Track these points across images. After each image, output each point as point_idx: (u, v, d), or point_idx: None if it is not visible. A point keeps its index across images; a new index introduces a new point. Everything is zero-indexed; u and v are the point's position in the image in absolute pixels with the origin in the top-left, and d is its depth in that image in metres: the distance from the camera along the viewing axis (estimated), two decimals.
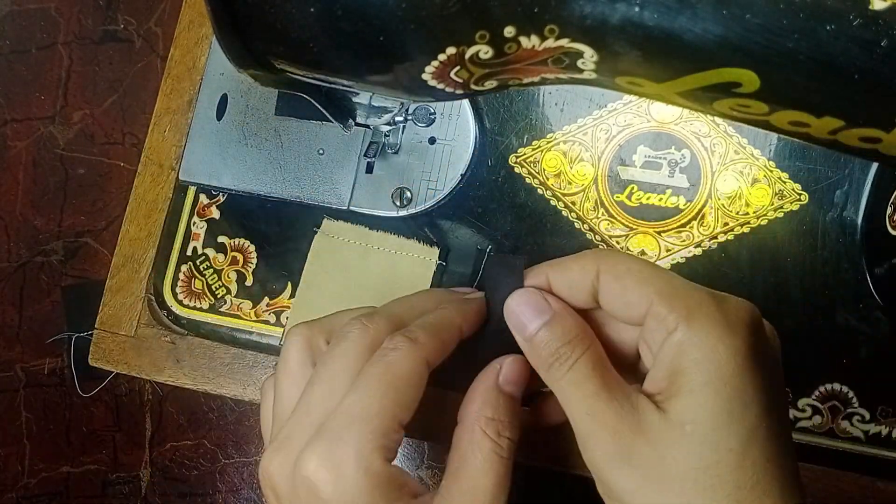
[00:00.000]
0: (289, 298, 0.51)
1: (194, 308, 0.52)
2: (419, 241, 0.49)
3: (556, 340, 0.31)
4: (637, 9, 0.24)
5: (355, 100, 0.43)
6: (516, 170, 0.50)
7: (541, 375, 0.32)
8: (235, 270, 0.52)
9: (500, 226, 0.50)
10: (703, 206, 0.49)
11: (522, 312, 0.32)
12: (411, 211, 0.49)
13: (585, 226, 0.49)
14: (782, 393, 0.31)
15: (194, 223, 0.53)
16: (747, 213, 0.48)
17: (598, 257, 0.32)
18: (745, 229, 0.48)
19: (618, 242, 0.49)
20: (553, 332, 0.32)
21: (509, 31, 0.25)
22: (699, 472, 0.28)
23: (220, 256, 0.52)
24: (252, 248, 0.52)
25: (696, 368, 0.28)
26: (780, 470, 0.29)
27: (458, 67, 0.27)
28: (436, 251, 0.48)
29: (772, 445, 0.29)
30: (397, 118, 0.46)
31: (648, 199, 0.49)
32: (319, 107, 0.38)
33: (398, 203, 0.49)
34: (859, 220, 0.47)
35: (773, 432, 0.29)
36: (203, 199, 0.53)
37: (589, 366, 0.31)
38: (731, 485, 0.28)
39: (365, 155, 0.48)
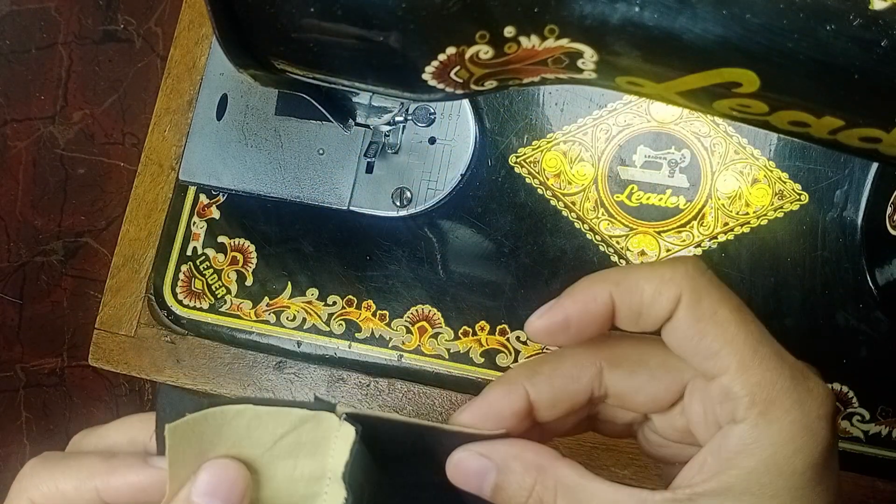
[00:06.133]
0: (289, 298, 0.51)
1: (194, 308, 0.52)
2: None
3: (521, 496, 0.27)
4: (637, 9, 0.24)
5: (355, 100, 0.43)
6: (516, 170, 0.50)
7: None
8: (235, 270, 0.52)
9: (500, 226, 0.50)
10: (703, 206, 0.48)
11: (466, 479, 0.27)
12: (411, 211, 0.49)
13: (585, 226, 0.49)
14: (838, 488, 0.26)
15: (194, 223, 0.53)
16: (747, 213, 0.48)
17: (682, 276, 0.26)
18: (745, 229, 0.48)
19: (618, 242, 0.49)
20: (510, 488, 0.27)
21: (509, 31, 0.25)
22: None
23: (220, 256, 0.52)
24: (252, 248, 0.52)
25: (759, 472, 0.24)
26: None
27: (458, 67, 0.27)
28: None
29: None
30: (397, 118, 0.46)
31: (648, 199, 0.49)
32: (319, 107, 0.38)
33: (398, 203, 0.49)
34: (859, 220, 0.47)
35: None
36: (203, 199, 0.53)
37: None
38: None
39: (365, 155, 0.48)
